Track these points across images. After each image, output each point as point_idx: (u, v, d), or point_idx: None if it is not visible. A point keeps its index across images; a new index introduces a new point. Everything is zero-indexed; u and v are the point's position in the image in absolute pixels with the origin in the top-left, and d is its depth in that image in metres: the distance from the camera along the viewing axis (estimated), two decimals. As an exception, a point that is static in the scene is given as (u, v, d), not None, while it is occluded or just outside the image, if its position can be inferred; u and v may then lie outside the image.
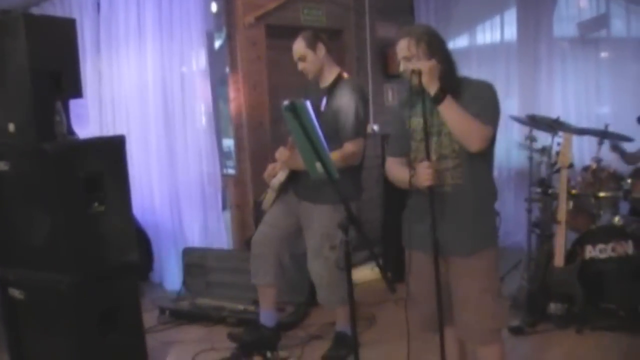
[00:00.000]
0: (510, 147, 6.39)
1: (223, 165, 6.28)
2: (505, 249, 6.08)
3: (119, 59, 6.13)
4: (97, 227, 3.74)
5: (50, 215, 3.60)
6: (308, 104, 2.87)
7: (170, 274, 6.11)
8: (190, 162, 5.99)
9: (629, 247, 4.66)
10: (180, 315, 5.28)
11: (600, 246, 4.73)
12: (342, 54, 6.61)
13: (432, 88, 2.89)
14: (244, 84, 5.87)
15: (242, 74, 5.87)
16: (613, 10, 6.55)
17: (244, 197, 6.01)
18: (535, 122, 5.39)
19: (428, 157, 2.97)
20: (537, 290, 4.88)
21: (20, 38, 3.51)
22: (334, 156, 3.62)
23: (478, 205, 3.07)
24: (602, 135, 5.12)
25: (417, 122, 3.08)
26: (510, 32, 7.22)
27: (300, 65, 4.29)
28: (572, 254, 4.75)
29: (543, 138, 5.52)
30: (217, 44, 6.26)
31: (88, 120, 5.76)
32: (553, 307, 4.76)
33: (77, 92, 3.85)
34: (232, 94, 5.96)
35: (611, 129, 5.12)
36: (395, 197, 3.54)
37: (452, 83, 2.97)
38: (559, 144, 4.82)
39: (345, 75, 4.35)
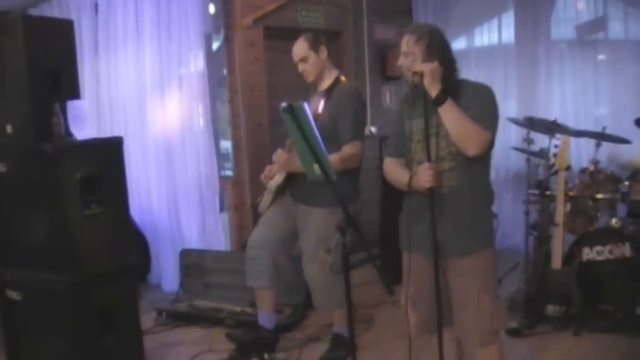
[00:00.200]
0: (507, 149, 6.39)
1: (221, 167, 6.27)
2: (503, 251, 6.10)
3: (116, 60, 6.12)
4: (94, 228, 3.74)
5: (47, 216, 3.60)
6: (306, 105, 2.87)
7: (167, 276, 6.11)
8: (188, 163, 5.98)
9: (626, 249, 4.66)
10: (178, 317, 5.28)
11: (598, 248, 4.73)
12: (340, 56, 6.61)
13: (434, 90, 2.90)
14: (241, 85, 5.87)
15: (240, 75, 5.87)
16: (611, 13, 6.56)
17: (241, 199, 6.01)
18: (532, 124, 5.40)
19: (429, 159, 2.97)
20: (535, 292, 4.89)
21: (18, 39, 3.51)
22: (332, 159, 3.62)
23: (474, 207, 3.07)
24: (600, 137, 5.13)
25: (415, 123, 3.09)
26: (508, 34, 7.23)
27: (301, 67, 4.29)
28: (570, 256, 4.76)
29: (541, 140, 5.53)
30: (215, 45, 6.25)
31: (86, 121, 5.79)
32: (551, 309, 4.76)
33: (75, 93, 3.85)
34: (229, 95, 5.96)
35: (609, 131, 5.13)
36: (393, 199, 3.54)
37: (451, 85, 2.97)
38: (556, 146, 4.82)
39: (343, 78, 4.35)
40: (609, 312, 4.68)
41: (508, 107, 6.75)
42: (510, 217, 6.59)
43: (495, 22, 7.32)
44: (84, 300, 3.67)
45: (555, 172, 4.88)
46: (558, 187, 4.72)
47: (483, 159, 3.04)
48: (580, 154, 6.32)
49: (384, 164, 3.33)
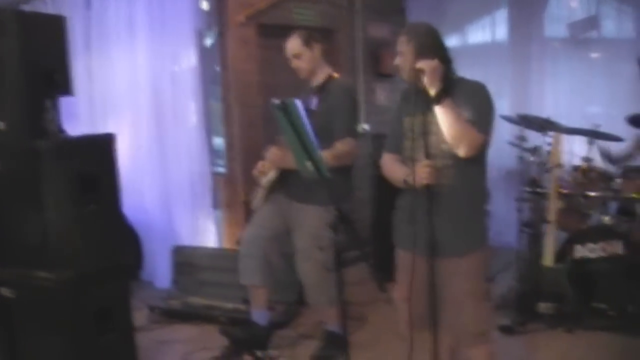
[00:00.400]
0: (501, 146, 6.39)
1: (214, 164, 6.27)
2: (496, 249, 6.09)
3: (109, 56, 6.10)
4: (87, 225, 3.72)
5: (41, 214, 3.59)
6: (299, 102, 2.87)
7: (160, 273, 6.09)
8: (180, 160, 5.97)
9: (618, 247, 4.67)
10: (171, 314, 5.27)
11: (590, 246, 4.74)
12: (334, 54, 6.61)
13: (433, 88, 2.89)
14: (235, 82, 5.86)
15: (233, 72, 5.86)
16: (604, 11, 6.57)
17: (234, 196, 6.01)
18: (526, 121, 5.41)
19: (426, 156, 2.97)
20: (528, 290, 4.90)
21: (11, 35, 3.49)
22: (325, 155, 3.61)
23: (468, 207, 3.07)
24: (593, 135, 5.14)
25: (410, 120, 3.09)
26: (502, 32, 7.25)
27: (294, 63, 4.29)
28: (562, 253, 4.77)
29: (534, 138, 5.54)
30: (208, 42, 6.24)
31: (79, 118, 5.78)
32: (543, 307, 4.77)
33: (68, 90, 3.84)
34: (223, 92, 5.95)
35: (601, 129, 5.14)
36: (386, 196, 3.53)
37: (447, 84, 2.96)
38: (549, 143, 4.83)
39: (336, 75, 4.36)
40: (602, 309, 4.69)
41: (501, 104, 6.73)
42: (503, 214, 6.58)
43: (488, 20, 7.33)
44: (78, 297, 3.66)
45: (548, 170, 4.89)
46: (551, 185, 4.73)
47: (478, 158, 3.04)
48: (572, 151, 6.32)
49: (382, 160, 3.33)
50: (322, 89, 4.26)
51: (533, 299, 4.81)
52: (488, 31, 7.36)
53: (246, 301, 4.79)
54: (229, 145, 6.01)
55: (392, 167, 3.21)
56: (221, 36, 5.91)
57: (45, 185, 3.56)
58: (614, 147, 5.31)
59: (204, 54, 6.09)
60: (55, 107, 3.65)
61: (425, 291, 2.99)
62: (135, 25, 5.92)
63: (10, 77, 3.55)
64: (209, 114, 6.19)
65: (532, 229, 5.50)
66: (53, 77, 3.69)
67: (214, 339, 4.55)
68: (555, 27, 6.91)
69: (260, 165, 4.42)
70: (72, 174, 3.61)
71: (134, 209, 6.07)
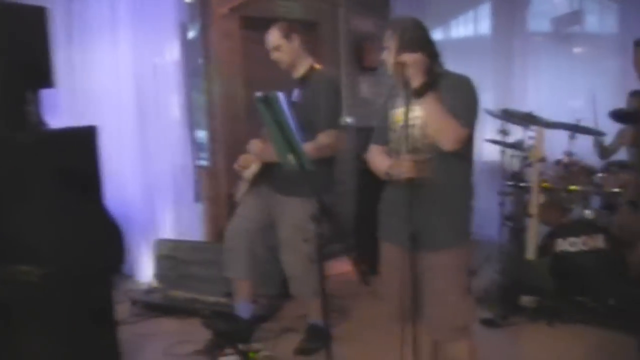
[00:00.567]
0: (482, 140, 6.42)
1: (196, 157, 6.25)
2: (478, 242, 6.12)
3: (92, 48, 6.05)
4: (69, 219, 3.70)
5: (22, 207, 3.56)
6: (281, 96, 2.86)
7: (142, 266, 6.07)
8: (163, 153, 5.95)
9: (599, 241, 4.70)
10: (152, 308, 5.25)
11: (572, 239, 4.77)
12: (318, 46, 6.59)
13: (416, 81, 2.89)
14: (218, 75, 5.84)
15: (216, 65, 5.84)
16: (587, 7, 6.62)
17: (217, 189, 5.99)
18: (508, 116, 5.43)
19: (410, 149, 2.97)
20: (510, 283, 4.93)
21: (-10, 26, 3.46)
22: (307, 148, 3.61)
23: (451, 201, 3.07)
24: (575, 129, 5.16)
25: (396, 113, 3.09)
26: (485, 26, 7.27)
27: (274, 55, 4.30)
28: (544, 247, 4.80)
29: (516, 132, 5.56)
30: (191, 34, 6.22)
31: (60, 110, 5.73)
32: (525, 300, 4.80)
33: (50, 82, 3.80)
34: (206, 85, 5.93)
35: (584, 123, 5.16)
36: (370, 190, 3.54)
37: (431, 78, 2.96)
38: (531, 137, 4.85)
39: (317, 66, 4.36)
40: (583, 303, 4.72)
41: (484, 99, 6.66)
42: (485, 208, 6.59)
43: (472, 14, 7.35)
44: (59, 292, 3.63)
45: (530, 164, 4.91)
46: (532, 179, 4.74)
47: (463, 152, 3.03)
48: (554, 145, 6.35)
49: (369, 152, 3.33)
50: (305, 81, 4.27)
51: (515, 293, 4.84)
52: (471, 25, 7.38)
53: (229, 294, 4.79)
54: (212, 138, 5.99)
55: (377, 159, 3.21)
56: (204, 29, 5.88)
57: (26, 178, 3.53)
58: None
59: (187, 47, 6.06)
60: (36, 100, 3.61)
61: (406, 283, 3.00)
62: (118, 18, 5.87)
63: (-10, 68, 3.52)
64: (192, 106, 6.17)
65: (515, 223, 5.53)
66: (34, 69, 3.66)
67: (196, 333, 4.54)
68: (538, 21, 6.95)
69: (241, 158, 4.42)
70: (53, 166, 3.58)
71: (116, 202, 6.03)
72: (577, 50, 6.76)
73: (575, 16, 6.65)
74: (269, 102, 2.85)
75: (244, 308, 4.51)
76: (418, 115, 2.96)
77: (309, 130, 3.99)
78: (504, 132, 5.59)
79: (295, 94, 4.26)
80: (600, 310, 4.65)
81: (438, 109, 2.87)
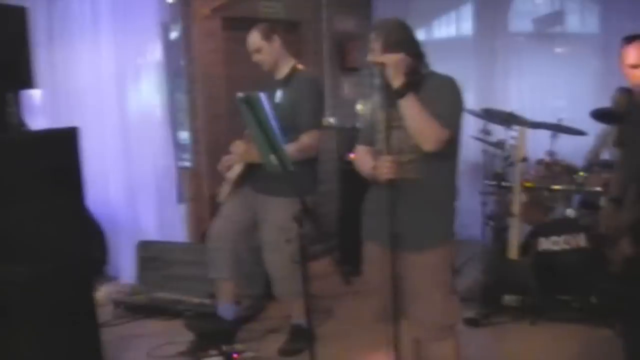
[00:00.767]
0: (465, 140, 6.42)
1: (179, 158, 6.22)
2: (461, 242, 6.13)
3: (73, 49, 6.01)
4: (51, 220, 3.68)
5: (3, 208, 3.53)
6: (263, 96, 2.86)
7: (125, 268, 6.03)
8: (145, 154, 5.92)
9: (581, 240, 4.72)
10: (136, 309, 5.23)
11: (554, 238, 4.79)
12: (300, 47, 6.59)
13: (396, 82, 2.89)
14: (200, 76, 5.83)
15: (198, 65, 5.83)
16: (568, 7, 6.66)
17: (200, 190, 5.97)
18: (490, 115, 5.45)
19: (388, 151, 2.97)
20: (492, 282, 4.94)
21: (-30, 26, 3.44)
22: (290, 148, 3.61)
23: (435, 201, 3.07)
24: (556, 129, 5.19)
25: (380, 114, 3.09)
26: (467, 26, 7.30)
27: (256, 57, 4.30)
28: (527, 246, 4.81)
29: (498, 132, 5.58)
30: (173, 35, 6.19)
31: (41, 111, 5.69)
32: (508, 299, 4.82)
33: (30, 83, 3.78)
34: (188, 86, 5.91)
35: (566, 123, 5.19)
36: (353, 190, 3.55)
37: (414, 79, 2.96)
38: (513, 137, 4.87)
39: (300, 66, 4.36)
40: (565, 301, 4.74)
41: (466, 99, 6.72)
42: (467, 208, 6.61)
43: (454, 14, 7.37)
44: (40, 292, 3.61)
45: (512, 164, 4.93)
46: (515, 179, 4.76)
47: (446, 153, 3.03)
48: (536, 145, 6.38)
49: (355, 152, 3.33)
50: (287, 81, 4.27)
51: (498, 292, 4.86)
52: (454, 26, 7.40)
53: (212, 295, 4.78)
54: (195, 139, 5.98)
55: (362, 160, 3.22)
56: (186, 29, 5.86)
57: (7, 180, 3.51)
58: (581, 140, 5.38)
59: (169, 47, 6.03)
60: (17, 101, 3.59)
61: (389, 283, 3.00)
62: (100, 18, 5.83)
63: (-31, 69, 3.50)
64: (174, 107, 6.14)
65: (497, 222, 5.55)
66: (15, 70, 3.63)
67: (180, 334, 4.53)
68: (520, 22, 6.99)
69: (224, 159, 4.41)
70: (34, 168, 3.55)
71: (99, 203, 6.01)
72: (558, 50, 6.80)
73: (557, 16, 6.69)
74: (251, 103, 2.85)
75: (227, 309, 4.50)
76: (401, 116, 2.97)
77: (292, 130, 3.99)
78: (486, 132, 5.61)
79: (278, 94, 4.25)
80: (582, 308, 4.67)
81: (418, 109, 2.88)
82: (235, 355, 4.24)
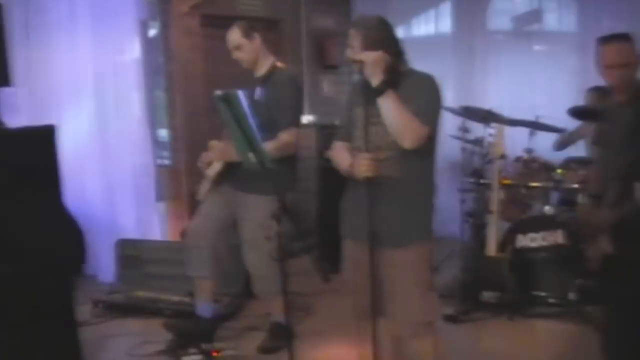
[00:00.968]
0: (444, 138, 6.44)
1: (158, 156, 6.20)
2: (439, 239, 6.16)
3: (50, 46, 5.97)
4: (28, 218, 3.65)
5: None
6: (241, 94, 2.86)
7: (103, 266, 5.99)
8: (124, 152, 5.89)
9: (559, 236, 4.76)
10: (115, 308, 5.19)
11: (531, 235, 4.82)
12: (279, 44, 6.59)
13: (375, 79, 2.89)
14: (179, 73, 5.81)
15: (177, 63, 5.81)
16: (546, 5, 6.71)
17: (178, 188, 5.96)
18: (468, 113, 5.47)
19: (366, 148, 2.97)
20: (471, 279, 4.97)
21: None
22: (269, 146, 3.61)
23: (413, 198, 3.07)
24: (534, 126, 5.22)
25: (358, 111, 3.09)
26: (446, 24, 7.32)
27: (236, 55, 4.29)
28: (505, 243, 4.84)
29: (476, 129, 5.60)
30: (152, 32, 6.17)
31: (18, 109, 5.64)
32: (486, 295, 4.84)
33: (7, 81, 3.75)
34: (166, 83, 5.89)
35: (543, 120, 5.22)
36: (332, 188, 3.55)
37: (394, 76, 2.97)
38: (491, 135, 4.89)
39: (280, 64, 4.36)
40: (543, 297, 4.78)
41: (445, 96, 6.77)
42: (446, 205, 6.63)
43: (433, 12, 7.40)
44: (18, 292, 3.59)
45: (490, 161, 4.95)
46: (493, 176, 4.79)
47: (425, 150, 3.04)
48: (514, 142, 6.42)
49: (332, 148, 3.33)
50: (267, 79, 4.26)
51: (476, 288, 4.88)
52: (433, 24, 7.43)
53: (191, 294, 4.76)
54: (174, 136, 5.96)
55: (339, 156, 3.21)
56: (165, 26, 5.85)
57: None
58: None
59: (148, 45, 6.02)
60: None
61: (368, 281, 3.00)
62: (77, 15, 5.78)
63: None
64: (153, 105, 6.12)
65: (475, 219, 5.57)
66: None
67: (159, 333, 4.50)
68: (499, 20, 7.04)
69: (203, 156, 4.40)
70: (11, 166, 3.53)
71: (77, 201, 5.97)
72: (537, 48, 6.85)
73: (535, 14, 6.74)
74: (229, 101, 2.85)
75: (205, 307, 4.48)
76: (380, 113, 2.97)
77: (271, 128, 3.99)
78: (465, 130, 5.63)
79: (257, 92, 4.24)
80: (559, 304, 4.71)
81: (396, 107, 2.88)
82: (214, 353, 4.23)
